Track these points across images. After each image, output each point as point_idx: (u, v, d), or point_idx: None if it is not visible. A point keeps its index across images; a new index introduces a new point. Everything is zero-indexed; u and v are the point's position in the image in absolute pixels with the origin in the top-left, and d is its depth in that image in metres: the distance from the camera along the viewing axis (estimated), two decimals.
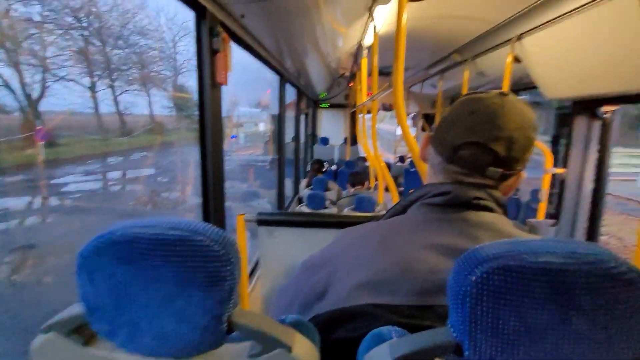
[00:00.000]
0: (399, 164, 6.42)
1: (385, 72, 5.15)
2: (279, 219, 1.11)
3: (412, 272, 0.46)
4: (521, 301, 0.34)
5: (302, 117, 5.84)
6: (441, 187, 0.55)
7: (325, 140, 7.09)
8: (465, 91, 3.44)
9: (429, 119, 5.75)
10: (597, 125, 2.37)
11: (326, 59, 3.19)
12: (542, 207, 2.56)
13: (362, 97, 2.36)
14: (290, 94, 4.53)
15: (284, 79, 2.76)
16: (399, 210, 0.59)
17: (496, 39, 2.65)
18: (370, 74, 5.61)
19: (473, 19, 2.60)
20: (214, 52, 1.00)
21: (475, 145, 0.53)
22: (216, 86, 1.06)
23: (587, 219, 2.50)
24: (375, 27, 1.97)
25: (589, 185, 2.43)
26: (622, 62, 1.67)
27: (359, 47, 2.83)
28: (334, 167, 6.04)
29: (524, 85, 3.24)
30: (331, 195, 3.41)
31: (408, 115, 6.95)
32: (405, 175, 5.15)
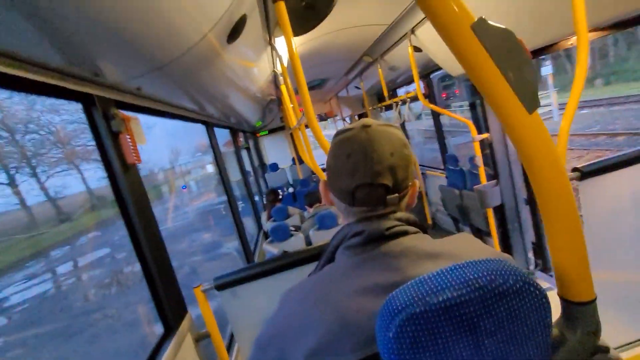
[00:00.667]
0: None
1: (310, 87, 5.32)
2: (238, 277, 1.07)
3: (351, 326, 0.46)
4: (436, 342, 0.37)
5: (245, 152, 5.78)
6: (355, 227, 0.56)
7: (274, 167, 7.08)
8: (384, 86, 3.66)
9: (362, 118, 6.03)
10: None
11: (248, 92, 3.22)
12: (482, 172, 2.77)
13: (291, 117, 2.41)
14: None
15: (210, 125, 2.73)
16: (329, 257, 0.60)
17: (394, 36, 2.87)
18: (296, 92, 5.74)
19: (371, 25, 2.80)
20: (115, 135, 0.96)
21: (366, 186, 0.55)
22: (129, 167, 1.01)
23: (522, 171, 2.76)
24: (280, 56, 2.04)
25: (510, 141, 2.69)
26: (519, 23, 1.87)
27: (275, 74, 2.90)
28: (291, 190, 6.03)
29: (432, 67, 3.54)
30: (294, 220, 3.39)
31: (344, 119, 7.19)
32: None
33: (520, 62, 0.41)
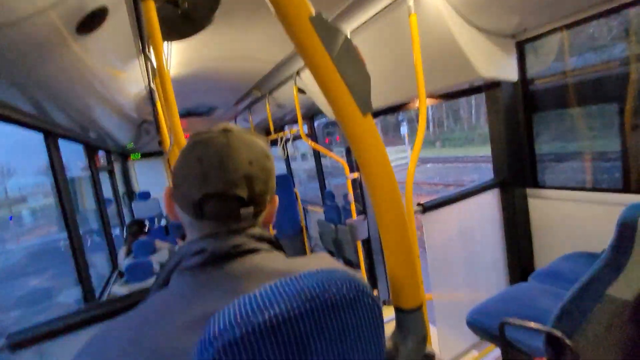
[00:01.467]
0: None
1: (198, 113, 5.03)
2: (48, 329, 0.79)
3: None
4: None
5: (106, 176, 4.89)
6: (196, 245, 0.49)
7: (145, 195, 6.18)
8: (270, 122, 3.77)
9: None
10: None
11: (115, 106, 2.79)
12: (353, 207, 3.06)
13: (167, 140, 2.16)
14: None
15: (52, 136, 2.20)
16: (161, 283, 0.50)
17: (282, 75, 3.04)
18: (181, 115, 5.29)
19: (262, 60, 2.89)
20: None
21: (216, 197, 0.48)
22: None
23: None
24: (155, 70, 1.85)
25: None
26: (378, 84, 2.23)
27: (151, 90, 2.62)
28: (163, 222, 5.33)
29: (317, 110, 3.87)
30: (161, 256, 2.95)
31: None
32: None
33: (355, 65, 0.43)
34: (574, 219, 1.64)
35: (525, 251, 1.82)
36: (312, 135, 4.17)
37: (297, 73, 2.81)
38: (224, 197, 0.48)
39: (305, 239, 4.63)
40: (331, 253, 4.06)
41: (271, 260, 0.50)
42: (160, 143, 5.60)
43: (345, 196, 3.31)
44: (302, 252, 4.71)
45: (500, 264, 1.89)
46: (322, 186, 4.45)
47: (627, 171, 1.45)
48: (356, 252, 3.09)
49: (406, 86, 1.96)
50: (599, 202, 1.53)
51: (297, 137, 3.82)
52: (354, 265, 3.42)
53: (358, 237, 2.96)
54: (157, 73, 1.50)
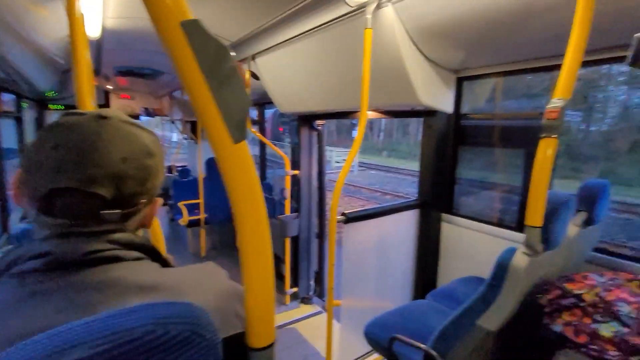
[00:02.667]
0: (168, 174, 5.94)
1: (141, 74, 4.55)
2: None
3: None
4: None
5: (12, 123, 4.20)
6: (37, 247, 0.41)
7: None
8: None
9: (194, 126, 5.62)
10: (314, 134, 3.10)
11: (33, 46, 2.40)
12: (287, 204, 3.05)
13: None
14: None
15: None
16: None
17: (236, 56, 2.89)
18: (122, 74, 4.75)
19: (217, 35, 2.72)
20: None
21: (69, 193, 0.41)
22: None
23: (317, 206, 3.24)
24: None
25: (314, 181, 3.15)
26: (329, 90, 2.23)
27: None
28: None
29: (270, 99, 3.77)
30: None
31: (174, 121, 6.51)
32: (174, 186, 4.79)
33: (233, 85, 0.38)
34: (475, 246, 1.82)
35: (431, 270, 1.99)
36: (261, 123, 4.06)
37: (253, 57, 2.69)
38: (79, 193, 0.41)
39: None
40: None
41: (137, 272, 0.44)
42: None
43: (282, 191, 3.28)
44: (231, 239, 4.58)
45: (408, 279, 2.03)
46: (262, 176, 4.36)
47: (523, 213, 1.65)
48: (284, 248, 3.09)
49: (354, 96, 2.00)
50: (496, 235, 1.72)
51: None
52: (280, 260, 3.42)
53: (287, 234, 2.96)
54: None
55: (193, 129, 5.64)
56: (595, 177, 8.09)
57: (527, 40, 1.32)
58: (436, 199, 1.93)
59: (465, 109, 1.92)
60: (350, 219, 1.60)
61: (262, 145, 4.29)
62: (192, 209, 4.32)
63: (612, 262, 1.36)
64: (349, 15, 1.59)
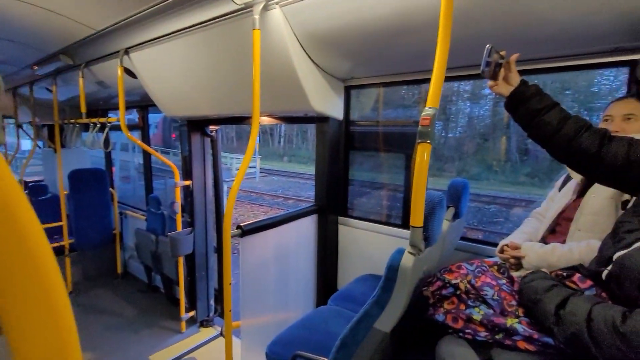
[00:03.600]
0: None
1: None
2: None
3: None
4: None
5: None
6: None
7: None
8: (82, 100, 2.96)
9: (51, 131, 4.54)
10: (208, 140, 2.85)
11: None
12: (179, 218, 2.72)
13: None
14: None
15: None
16: None
17: (104, 47, 2.44)
18: None
19: (74, 20, 2.22)
20: None
21: None
22: None
23: (214, 218, 2.99)
24: None
25: (210, 190, 2.90)
26: (221, 93, 2.05)
27: None
28: None
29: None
30: None
31: (21, 125, 5.15)
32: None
33: None
34: (369, 245, 1.93)
35: (331, 273, 2.03)
36: (143, 128, 3.53)
37: (126, 51, 2.31)
38: None
39: (118, 250, 3.82)
40: (148, 268, 3.49)
41: None
42: None
43: (172, 205, 2.91)
44: (112, 266, 3.85)
45: (310, 286, 2.03)
46: (149, 189, 3.81)
47: (406, 211, 1.84)
48: (177, 268, 2.74)
49: (248, 100, 1.90)
50: (387, 233, 1.86)
51: (115, 127, 3.12)
52: (173, 282, 3.03)
53: (179, 252, 2.63)
54: None
55: (50, 134, 4.56)
56: (455, 175, 9.95)
57: (402, 55, 1.46)
58: (332, 203, 1.98)
59: (354, 116, 2.03)
60: (246, 231, 1.49)
61: (148, 154, 3.75)
62: (53, 234, 3.48)
63: (474, 247, 1.62)
64: (237, 13, 1.49)
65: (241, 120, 2.35)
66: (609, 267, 0.74)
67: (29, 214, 0.26)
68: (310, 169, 14.45)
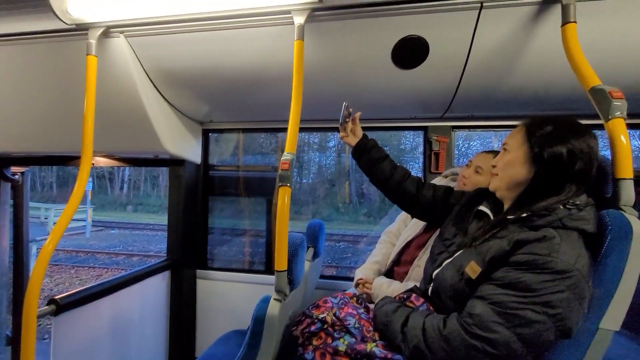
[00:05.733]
0: None
1: None
2: None
3: None
4: None
5: None
6: None
7: None
8: None
9: None
10: (7, 186, 2.12)
11: None
12: None
13: None
14: None
15: None
16: None
17: None
18: None
19: None
20: None
21: None
22: None
23: (11, 295, 2.14)
24: None
25: (6, 256, 2.09)
26: (36, 124, 1.55)
27: None
28: None
29: None
30: None
31: None
32: None
33: None
34: (232, 298, 1.78)
35: (188, 338, 1.74)
36: None
37: None
38: None
39: None
40: None
41: None
42: None
43: None
44: None
45: (161, 357, 1.67)
46: None
47: (269, 256, 1.82)
48: None
49: (76, 136, 1.55)
50: (251, 281, 1.77)
51: None
52: None
53: None
54: None
55: None
56: (311, 217, 10.85)
57: (261, 104, 1.53)
58: (189, 255, 1.76)
59: (213, 160, 1.94)
60: (63, 305, 1.11)
61: None
62: None
63: (332, 284, 1.73)
64: (67, 34, 1.24)
65: (65, 160, 1.88)
66: (431, 285, 0.92)
67: None
68: (162, 219, 12.72)
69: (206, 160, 1.88)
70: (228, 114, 1.73)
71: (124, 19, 1.16)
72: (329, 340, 0.87)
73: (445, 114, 1.56)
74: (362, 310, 0.98)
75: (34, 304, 1.01)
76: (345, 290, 1.27)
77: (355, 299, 1.03)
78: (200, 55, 1.26)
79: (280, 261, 0.86)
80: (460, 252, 0.87)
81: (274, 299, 0.87)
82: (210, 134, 1.90)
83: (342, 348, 0.85)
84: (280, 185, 0.90)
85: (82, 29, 1.19)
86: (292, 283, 0.94)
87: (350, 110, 1.13)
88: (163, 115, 1.50)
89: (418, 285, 1.01)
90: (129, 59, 1.27)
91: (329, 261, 7.48)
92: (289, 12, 1.06)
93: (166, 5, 1.12)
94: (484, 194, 0.97)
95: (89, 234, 10.85)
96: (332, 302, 0.96)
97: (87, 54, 1.18)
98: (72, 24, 1.16)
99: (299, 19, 1.02)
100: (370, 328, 0.91)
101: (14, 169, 2.11)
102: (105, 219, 13.05)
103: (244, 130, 1.88)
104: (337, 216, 11.87)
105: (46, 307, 1.07)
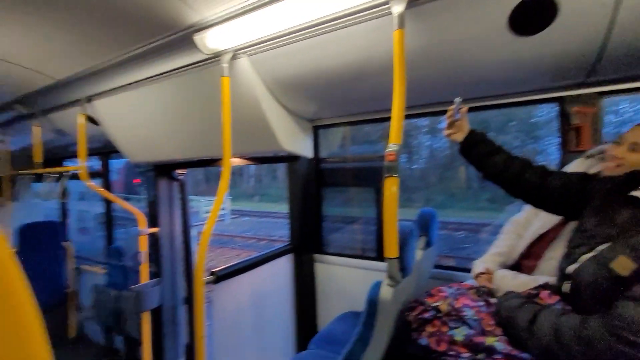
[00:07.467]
0: None
1: None
2: None
3: None
4: None
5: None
6: None
7: None
8: (38, 150, 2.82)
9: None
10: (175, 185, 2.78)
11: None
12: (145, 269, 2.54)
13: None
14: None
15: None
16: None
17: (64, 96, 2.38)
18: None
19: (31, 69, 2.17)
20: None
21: None
22: None
23: (184, 266, 2.82)
24: None
25: (179, 237, 2.77)
26: (188, 137, 2.04)
27: None
28: None
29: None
30: None
31: None
32: None
33: None
34: (347, 281, 1.92)
35: (311, 315, 1.97)
36: (105, 175, 3.38)
37: (88, 99, 2.27)
38: None
39: (72, 311, 3.44)
40: (108, 328, 3.15)
41: None
42: None
43: (136, 255, 2.73)
44: (62, 329, 3.43)
45: (290, 331, 1.94)
46: (110, 239, 3.56)
47: (380, 243, 1.87)
48: (139, 325, 2.50)
49: (216, 143, 1.91)
50: (364, 267, 1.86)
51: (75, 176, 2.97)
52: (137, 342, 2.74)
53: (144, 307, 2.42)
54: None
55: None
56: (423, 205, 10.34)
57: (364, 96, 1.58)
58: (307, 241, 1.97)
59: (323, 153, 2.10)
60: (220, 277, 1.43)
61: (108, 203, 3.55)
62: None
63: (448, 275, 1.66)
64: (205, 62, 1.55)
65: (210, 162, 2.34)
66: (568, 282, 0.80)
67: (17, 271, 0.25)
68: (282, 208, 14.31)
69: (317, 154, 2.05)
70: (334, 110, 1.84)
71: (246, 42, 1.37)
72: (444, 328, 0.87)
73: (588, 78, 1.27)
74: (481, 303, 0.93)
75: (201, 275, 1.33)
76: (463, 282, 1.21)
77: (473, 290, 0.99)
78: (307, 61, 1.38)
79: (391, 249, 0.90)
80: (606, 245, 0.73)
81: (387, 285, 0.92)
82: (319, 130, 2.05)
83: (458, 338, 0.83)
84: (387, 177, 0.92)
85: (216, 56, 1.46)
86: (403, 270, 0.96)
87: (462, 106, 1.07)
88: (279, 118, 1.71)
89: (549, 282, 0.90)
90: (251, 74, 1.50)
91: (446, 251, 7.04)
92: (386, 2, 1.06)
93: (275, 23, 1.26)
94: (636, 177, 0.78)
95: (228, 220, 13.09)
96: (447, 292, 0.95)
97: (221, 76, 1.45)
98: (210, 54, 1.44)
99: (398, 8, 1.01)
100: (491, 322, 0.86)
101: (178, 171, 2.74)
102: (239, 207, 15.49)
103: (350, 124, 1.96)
104: (453, 203, 10.96)
105: (210, 276, 1.40)
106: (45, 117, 2.75)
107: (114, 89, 2.03)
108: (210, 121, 1.80)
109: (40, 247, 3.34)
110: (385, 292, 0.90)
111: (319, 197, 2.07)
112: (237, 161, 2.11)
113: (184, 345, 2.73)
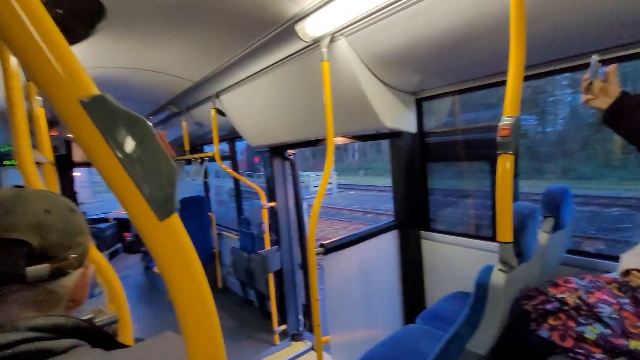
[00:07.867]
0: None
1: None
2: None
3: None
4: None
5: None
6: None
7: None
8: (186, 140, 3.52)
9: None
10: (287, 164, 3.09)
11: None
12: (267, 237, 2.96)
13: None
14: None
15: None
16: None
17: (200, 95, 2.89)
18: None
19: (178, 77, 2.72)
20: None
21: None
22: None
23: (298, 236, 3.18)
24: None
25: (292, 210, 3.10)
26: (295, 120, 2.25)
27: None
28: None
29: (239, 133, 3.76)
30: None
31: None
32: None
33: (154, 159, 0.33)
34: (455, 261, 1.82)
35: (418, 291, 1.96)
36: (233, 158, 4.01)
37: (217, 95, 2.70)
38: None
39: (218, 267, 4.32)
40: (243, 283, 3.86)
41: None
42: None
43: (261, 225, 3.20)
44: (212, 280, 4.37)
45: (396, 304, 1.99)
46: (240, 211, 4.26)
47: (494, 222, 1.69)
48: (267, 284, 2.97)
49: (320, 124, 2.03)
50: (474, 247, 1.73)
51: (212, 159, 3.62)
52: (265, 297, 3.28)
53: (269, 269, 2.86)
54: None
55: None
56: (557, 176, 8.57)
57: (473, 61, 1.40)
58: (412, 217, 1.94)
59: (427, 127, 1.98)
60: (329, 249, 1.57)
61: (236, 181, 4.22)
62: None
63: (586, 262, 1.40)
64: (306, 49, 1.64)
65: (316, 142, 2.50)
66: None
67: (200, 272, 0.37)
68: (387, 181, 14.15)
69: (421, 129, 1.95)
70: (439, 79, 1.70)
71: (343, 23, 1.38)
72: (571, 323, 0.76)
73: None
74: (625, 300, 0.77)
75: (312, 246, 1.49)
76: (604, 274, 1.01)
77: (616, 285, 0.82)
78: (407, 32, 1.31)
79: (504, 232, 0.82)
80: None
81: (499, 270, 0.85)
82: (423, 102, 1.93)
83: (590, 336, 0.72)
84: (500, 154, 0.83)
85: (316, 42, 1.52)
86: (520, 256, 0.87)
87: (601, 65, 0.83)
88: (380, 95, 1.68)
89: None
90: (349, 54, 1.51)
91: (593, 232, 5.76)
92: None
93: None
94: None
95: (335, 194, 13.76)
96: (576, 284, 0.82)
97: (321, 60, 1.51)
98: (309, 41, 1.51)
99: None
100: (638, 323, 0.71)
101: (289, 151, 3.03)
102: (344, 182, 16.06)
103: (458, 92, 1.78)
104: (606, 172, 8.70)
105: (319, 248, 1.55)
106: (189, 113, 3.40)
107: (235, 84, 2.35)
108: (313, 104, 1.91)
109: (193, 216, 4.26)
110: (497, 277, 0.84)
111: (424, 173, 1.98)
112: (340, 140, 2.20)
113: (302, 304, 3.13)
